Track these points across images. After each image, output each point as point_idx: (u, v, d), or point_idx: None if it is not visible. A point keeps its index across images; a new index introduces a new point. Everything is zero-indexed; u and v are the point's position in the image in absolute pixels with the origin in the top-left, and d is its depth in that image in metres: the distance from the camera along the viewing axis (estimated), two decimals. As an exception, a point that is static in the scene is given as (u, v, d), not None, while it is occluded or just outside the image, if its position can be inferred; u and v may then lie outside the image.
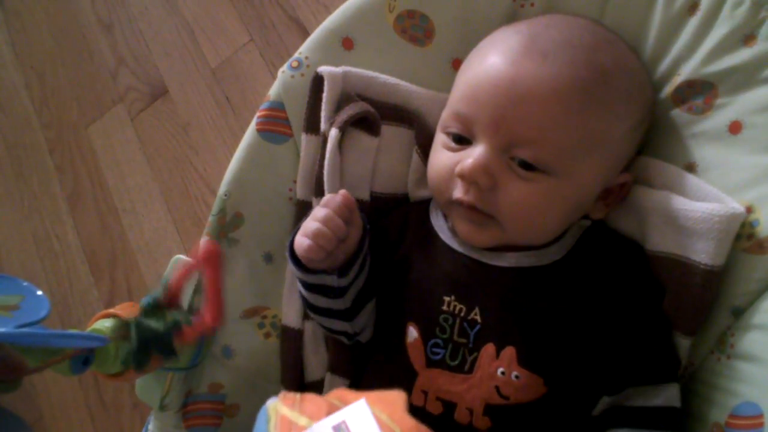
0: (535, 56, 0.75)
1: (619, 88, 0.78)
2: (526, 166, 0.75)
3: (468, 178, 0.76)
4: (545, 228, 0.79)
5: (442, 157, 0.81)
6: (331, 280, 0.79)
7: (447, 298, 0.79)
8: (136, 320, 0.72)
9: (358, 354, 0.90)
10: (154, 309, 0.74)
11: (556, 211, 0.78)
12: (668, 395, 0.75)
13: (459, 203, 0.78)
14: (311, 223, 0.76)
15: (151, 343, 0.71)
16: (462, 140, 0.80)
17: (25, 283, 0.74)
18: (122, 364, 0.71)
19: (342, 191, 0.78)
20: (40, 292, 0.73)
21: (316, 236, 0.75)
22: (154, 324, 0.71)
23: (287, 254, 0.80)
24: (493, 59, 0.77)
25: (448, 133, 0.81)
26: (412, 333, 0.80)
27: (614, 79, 0.77)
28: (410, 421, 0.58)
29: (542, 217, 0.78)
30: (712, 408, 0.74)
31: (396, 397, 0.60)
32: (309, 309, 0.87)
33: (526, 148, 0.74)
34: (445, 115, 0.83)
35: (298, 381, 0.95)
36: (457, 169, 0.76)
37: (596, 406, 0.78)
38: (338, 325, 0.85)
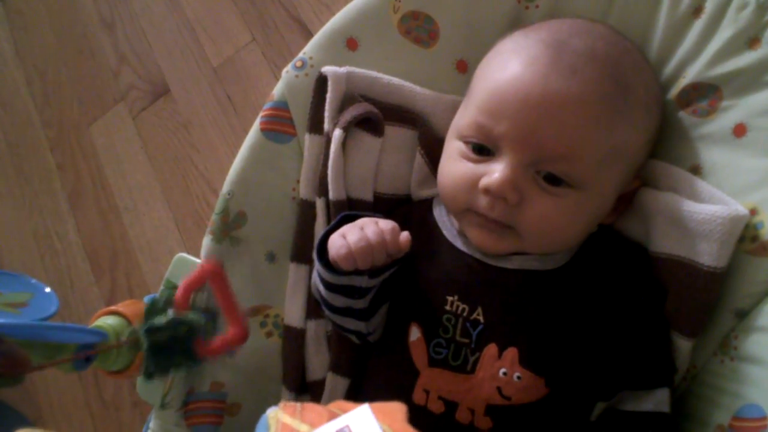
0: (563, 70, 0.74)
1: (640, 101, 0.78)
2: (553, 180, 0.75)
3: (496, 193, 0.75)
4: (566, 240, 0.80)
5: (462, 167, 0.80)
6: (360, 281, 0.78)
7: (450, 298, 0.79)
8: (141, 326, 0.71)
9: (361, 354, 0.90)
10: (155, 308, 0.74)
11: (580, 224, 0.78)
12: (658, 400, 0.76)
13: (482, 216, 0.77)
14: (359, 235, 0.74)
15: (166, 349, 0.70)
16: (483, 150, 0.78)
17: (33, 281, 0.74)
18: (145, 375, 0.70)
19: (405, 234, 0.75)
20: (48, 289, 0.73)
21: (358, 252, 0.74)
22: (158, 322, 0.71)
23: (315, 253, 0.79)
24: (518, 69, 0.75)
25: (467, 142, 0.80)
26: (415, 332, 0.80)
27: (635, 93, 0.77)
28: (411, 431, 0.58)
29: (566, 231, 0.78)
30: (716, 410, 0.74)
31: (396, 408, 0.61)
32: (325, 307, 0.86)
33: (555, 163, 0.74)
34: (464, 123, 0.80)
35: (299, 380, 0.95)
36: (483, 183, 0.75)
37: (593, 412, 0.78)
38: (353, 324, 0.84)
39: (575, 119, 0.73)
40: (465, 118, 0.81)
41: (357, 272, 0.76)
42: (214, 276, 0.73)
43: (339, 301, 0.81)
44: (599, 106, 0.74)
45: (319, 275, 0.81)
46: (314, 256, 0.80)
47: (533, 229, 0.76)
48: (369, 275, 0.77)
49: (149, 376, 0.70)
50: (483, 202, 0.77)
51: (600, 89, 0.74)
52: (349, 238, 0.74)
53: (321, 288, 0.82)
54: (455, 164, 0.81)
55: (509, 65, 0.77)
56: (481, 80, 0.82)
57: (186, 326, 0.71)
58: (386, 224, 0.76)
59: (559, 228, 0.77)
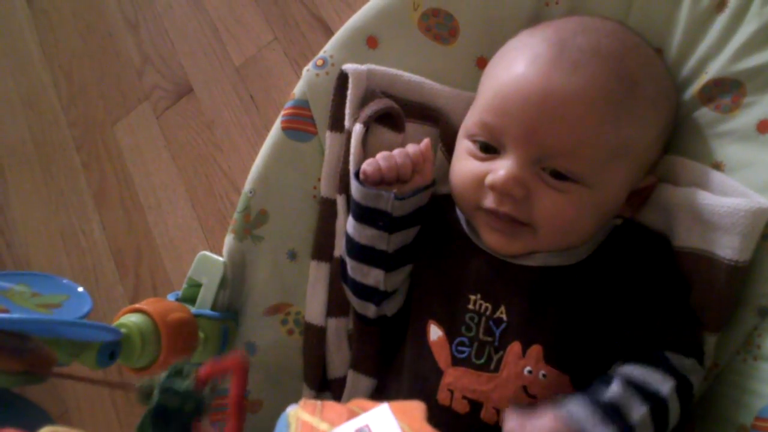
0: (565, 67, 0.74)
1: (647, 96, 0.77)
2: (558, 176, 0.75)
3: (500, 189, 0.75)
4: (579, 235, 0.79)
5: (469, 165, 0.80)
6: (387, 198, 0.81)
7: (473, 297, 0.79)
8: (162, 382, 0.71)
9: (382, 352, 0.90)
10: (182, 372, 0.74)
11: (589, 219, 0.78)
12: (681, 363, 0.72)
13: (493, 212, 0.78)
14: (387, 152, 0.83)
15: (168, 415, 0.70)
16: (489, 149, 0.79)
17: (65, 281, 0.75)
18: (139, 428, 0.70)
19: (426, 140, 0.85)
20: (81, 289, 0.74)
21: (383, 158, 0.82)
22: (178, 385, 0.70)
23: (351, 175, 0.85)
24: (522, 68, 0.76)
25: (474, 141, 0.81)
26: (436, 331, 0.80)
27: (642, 88, 0.77)
28: (429, 430, 0.58)
29: (577, 226, 0.78)
30: (738, 410, 0.73)
31: (416, 407, 0.60)
32: (350, 254, 0.87)
33: (558, 159, 0.74)
34: (471, 122, 0.82)
35: (320, 378, 0.95)
36: (489, 180, 0.76)
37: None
38: (373, 276, 0.85)
39: (577, 116, 0.73)
40: (472, 117, 0.82)
41: (385, 185, 0.82)
42: (239, 370, 0.73)
43: (365, 234, 0.83)
44: (602, 102, 0.74)
45: (353, 200, 0.85)
46: (351, 175, 0.86)
47: (545, 223, 0.76)
48: (395, 195, 0.80)
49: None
50: (491, 198, 0.77)
51: (603, 85, 0.74)
52: (379, 154, 0.84)
53: (351, 223, 0.85)
54: (463, 162, 0.82)
55: (513, 64, 0.78)
56: (488, 79, 0.83)
57: (195, 402, 0.71)
58: (410, 145, 0.85)
59: (569, 223, 0.77)
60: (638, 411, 0.66)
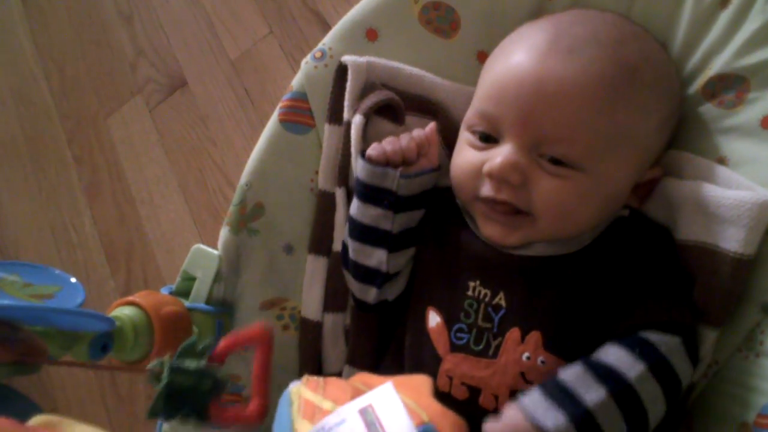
0: (560, 53, 0.74)
1: (646, 83, 0.77)
2: (557, 162, 0.75)
3: (497, 176, 0.75)
4: (578, 224, 0.78)
5: (468, 154, 0.81)
6: (393, 176, 0.82)
7: (472, 283, 0.79)
8: (171, 362, 0.68)
9: (378, 347, 0.90)
10: (193, 349, 0.71)
11: (589, 207, 0.77)
12: (662, 340, 0.70)
13: (492, 201, 0.77)
14: (392, 137, 0.86)
15: (182, 395, 0.67)
16: (488, 139, 0.79)
17: (57, 272, 0.74)
18: (150, 413, 0.68)
19: (432, 123, 0.86)
20: (74, 280, 0.73)
21: (388, 142, 0.84)
22: (189, 364, 0.67)
23: (357, 155, 0.86)
24: (518, 57, 0.77)
25: (473, 132, 0.81)
26: (434, 318, 0.79)
27: (641, 75, 0.76)
28: (437, 406, 0.57)
29: (576, 213, 0.77)
30: (740, 407, 0.73)
31: (422, 382, 0.60)
32: (351, 234, 0.86)
33: (555, 145, 0.74)
34: (470, 113, 0.82)
35: (315, 373, 0.93)
36: (486, 167, 0.76)
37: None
38: (376, 256, 0.84)
39: (571, 102, 0.73)
40: (472, 108, 0.83)
41: (391, 167, 0.83)
42: (263, 341, 0.71)
43: (369, 214, 0.83)
44: (598, 89, 0.73)
45: (357, 181, 0.85)
46: (356, 155, 0.87)
47: (544, 209, 0.75)
48: (401, 174, 0.82)
49: (153, 414, 0.67)
50: (488, 187, 0.77)
51: (599, 71, 0.74)
52: (385, 138, 0.86)
53: (355, 204, 0.85)
54: (463, 153, 0.82)
55: (510, 54, 0.78)
56: (486, 71, 0.83)
57: (211, 380, 0.68)
58: (416, 129, 0.87)
59: (568, 209, 0.76)
60: (595, 394, 0.64)
